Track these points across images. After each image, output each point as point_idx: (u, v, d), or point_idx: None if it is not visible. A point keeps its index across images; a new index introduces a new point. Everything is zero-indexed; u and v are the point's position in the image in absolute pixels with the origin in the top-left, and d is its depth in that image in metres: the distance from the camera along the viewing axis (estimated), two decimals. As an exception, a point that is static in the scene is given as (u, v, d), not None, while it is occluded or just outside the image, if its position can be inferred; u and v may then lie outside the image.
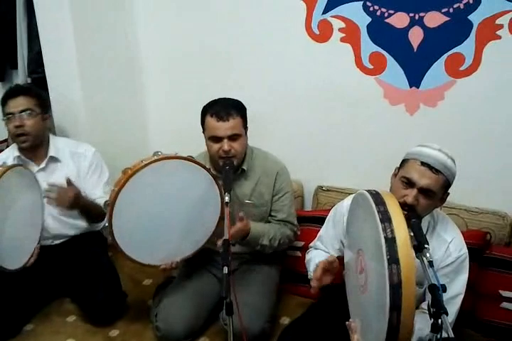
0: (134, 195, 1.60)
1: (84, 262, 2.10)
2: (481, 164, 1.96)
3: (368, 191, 1.24)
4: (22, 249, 1.89)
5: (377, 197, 1.19)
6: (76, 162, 2.17)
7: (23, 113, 2.02)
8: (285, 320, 1.96)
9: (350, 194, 2.18)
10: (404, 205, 1.37)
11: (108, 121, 2.53)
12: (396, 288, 1.05)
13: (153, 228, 1.70)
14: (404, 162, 1.48)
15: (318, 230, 2.08)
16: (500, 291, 1.80)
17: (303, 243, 2.12)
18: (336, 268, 1.48)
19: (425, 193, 1.40)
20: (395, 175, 1.52)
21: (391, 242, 1.07)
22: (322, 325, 1.61)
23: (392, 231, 1.09)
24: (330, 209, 2.15)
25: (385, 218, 1.11)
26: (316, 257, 1.72)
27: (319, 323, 1.63)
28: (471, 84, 1.92)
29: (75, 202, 1.91)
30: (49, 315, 2.04)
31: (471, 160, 1.92)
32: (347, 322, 1.37)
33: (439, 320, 1.10)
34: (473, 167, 1.92)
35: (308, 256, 1.80)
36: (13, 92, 2.06)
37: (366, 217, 1.21)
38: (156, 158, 1.60)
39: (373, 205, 1.15)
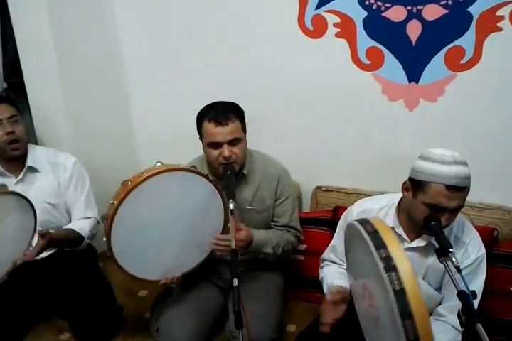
0: (134, 208, 1.51)
1: (73, 275, 1.99)
2: (482, 159, 1.90)
3: (363, 226, 1.16)
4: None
5: (376, 237, 1.10)
6: (56, 173, 2.07)
7: (11, 119, 1.96)
8: (292, 328, 1.90)
9: (351, 194, 2.16)
10: None
11: (91, 129, 2.42)
12: None
13: (153, 242, 1.62)
14: (422, 185, 1.37)
15: (319, 232, 2.06)
16: (511, 288, 1.77)
17: (305, 246, 2.06)
18: (346, 298, 1.46)
19: (456, 210, 1.38)
20: (406, 189, 1.44)
21: (401, 295, 1.01)
22: (335, 333, 1.54)
23: (399, 281, 1.02)
24: (330, 210, 2.13)
25: (390, 266, 1.04)
26: (328, 276, 1.67)
27: (332, 331, 1.55)
28: (472, 78, 1.88)
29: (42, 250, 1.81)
30: (42, 333, 1.93)
31: (472, 155, 1.83)
32: None
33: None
34: (475, 162, 1.84)
35: (321, 273, 1.75)
36: None
37: (366, 250, 1.13)
38: (158, 170, 1.51)
39: (374, 250, 1.06)
